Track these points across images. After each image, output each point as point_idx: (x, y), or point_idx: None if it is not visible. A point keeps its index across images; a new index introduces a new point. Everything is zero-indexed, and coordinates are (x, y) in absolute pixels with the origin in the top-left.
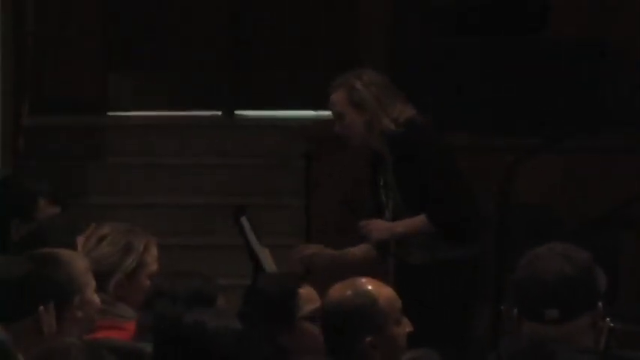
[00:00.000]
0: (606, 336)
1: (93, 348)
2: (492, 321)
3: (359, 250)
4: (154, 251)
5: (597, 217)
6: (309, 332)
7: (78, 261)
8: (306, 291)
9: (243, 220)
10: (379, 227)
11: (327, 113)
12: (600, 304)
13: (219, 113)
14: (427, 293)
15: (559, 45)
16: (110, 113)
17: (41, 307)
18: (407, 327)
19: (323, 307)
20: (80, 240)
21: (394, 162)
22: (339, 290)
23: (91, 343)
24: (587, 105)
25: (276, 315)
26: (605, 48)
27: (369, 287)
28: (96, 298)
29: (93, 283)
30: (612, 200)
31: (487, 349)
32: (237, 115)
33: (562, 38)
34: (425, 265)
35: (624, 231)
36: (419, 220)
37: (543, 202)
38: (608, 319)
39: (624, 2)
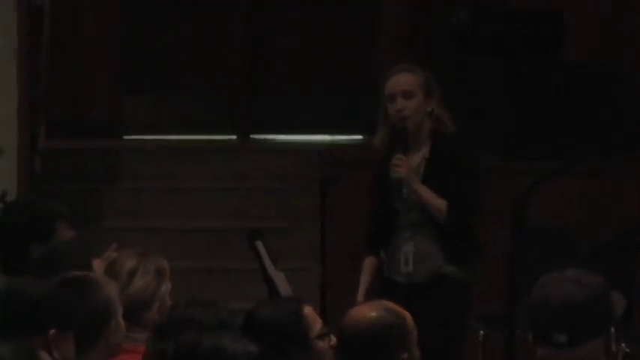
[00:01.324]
0: None
1: None
2: (507, 346)
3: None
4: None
5: (611, 241)
6: (323, 350)
7: (111, 285)
8: (307, 311)
9: (258, 244)
10: (409, 170)
11: (342, 138)
12: (613, 329)
13: (234, 137)
14: (421, 312)
15: (574, 68)
16: (125, 137)
17: (52, 331)
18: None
19: (347, 330)
20: (97, 263)
21: (434, 155)
22: (365, 311)
23: None
24: (602, 128)
25: (291, 339)
26: (620, 71)
27: (394, 307)
28: (122, 323)
29: (121, 308)
30: (628, 223)
31: None
32: (252, 138)
33: (577, 61)
34: (413, 283)
35: (638, 254)
36: (440, 201)
37: (559, 225)
38: (623, 345)
39: (639, 25)
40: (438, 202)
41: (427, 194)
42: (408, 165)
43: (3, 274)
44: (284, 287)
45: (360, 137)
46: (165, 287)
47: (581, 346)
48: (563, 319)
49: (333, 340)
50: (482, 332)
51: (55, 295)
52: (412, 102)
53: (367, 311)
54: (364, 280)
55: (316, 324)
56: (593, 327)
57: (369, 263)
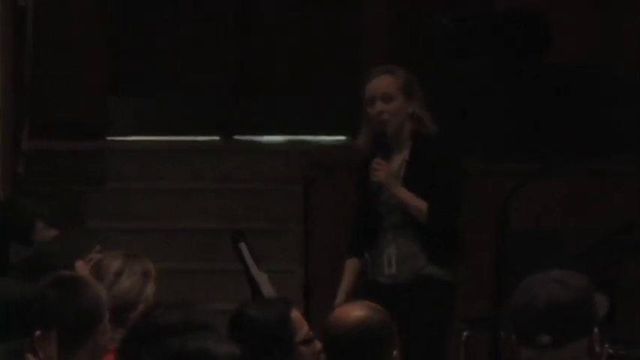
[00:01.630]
0: None
1: None
2: (491, 347)
3: (344, 292)
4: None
5: (597, 242)
6: (307, 356)
7: (99, 287)
8: (295, 315)
9: (242, 245)
10: (388, 174)
11: (326, 139)
12: (596, 330)
13: (218, 138)
14: (405, 313)
15: (564, 69)
16: (110, 138)
17: (38, 332)
18: None
19: (332, 330)
20: (79, 265)
21: (415, 157)
22: (351, 311)
23: None
24: (591, 129)
25: (276, 342)
26: (611, 72)
27: (377, 306)
28: (109, 326)
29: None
30: (614, 224)
31: None
32: (236, 139)
33: (568, 63)
34: (397, 284)
35: (624, 255)
36: (420, 202)
37: (545, 226)
38: (607, 346)
39: (631, 27)
40: (418, 204)
41: (407, 196)
42: (387, 169)
43: None
44: (267, 288)
45: (344, 138)
46: (151, 289)
47: (564, 347)
48: (547, 320)
49: (318, 346)
50: (465, 333)
51: (46, 296)
52: (391, 105)
53: (353, 311)
54: (345, 281)
55: (302, 328)
56: (576, 328)
57: (350, 265)
